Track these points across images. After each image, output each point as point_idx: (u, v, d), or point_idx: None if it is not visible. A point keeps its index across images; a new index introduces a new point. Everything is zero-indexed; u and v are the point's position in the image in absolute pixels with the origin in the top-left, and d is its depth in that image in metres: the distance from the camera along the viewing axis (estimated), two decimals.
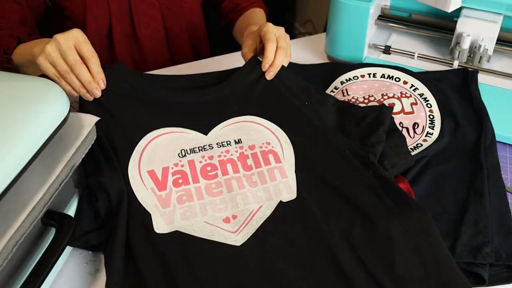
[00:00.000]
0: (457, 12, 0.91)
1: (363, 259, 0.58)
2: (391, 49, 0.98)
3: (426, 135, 0.80)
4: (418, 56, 0.96)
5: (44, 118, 0.53)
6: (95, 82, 0.69)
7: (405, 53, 0.97)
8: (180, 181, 0.66)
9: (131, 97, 0.75)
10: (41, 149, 0.52)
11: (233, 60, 1.04)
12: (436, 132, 0.80)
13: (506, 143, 0.81)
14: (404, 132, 0.81)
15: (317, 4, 2.16)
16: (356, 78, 0.90)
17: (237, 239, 0.61)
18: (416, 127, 0.82)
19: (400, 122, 0.82)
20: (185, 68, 1.01)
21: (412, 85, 0.88)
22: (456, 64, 0.93)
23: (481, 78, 0.91)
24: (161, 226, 0.62)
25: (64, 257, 0.63)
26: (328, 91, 0.88)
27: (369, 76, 0.90)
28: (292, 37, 1.17)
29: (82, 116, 0.63)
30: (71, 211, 0.64)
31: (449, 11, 0.88)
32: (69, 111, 0.56)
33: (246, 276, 0.57)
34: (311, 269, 0.58)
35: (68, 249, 0.64)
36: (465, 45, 0.91)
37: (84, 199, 0.65)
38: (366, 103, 0.84)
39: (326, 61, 1.03)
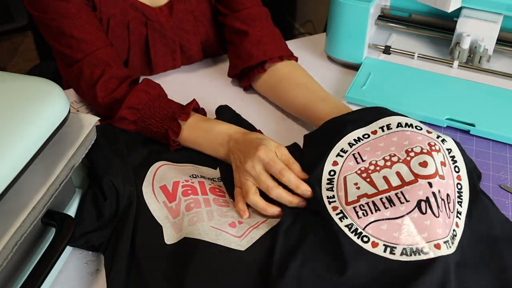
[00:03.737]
0: (457, 12, 0.91)
1: None
2: (391, 49, 0.98)
3: (456, 216, 0.60)
4: (418, 56, 0.96)
5: (44, 118, 0.52)
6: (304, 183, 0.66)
7: (405, 53, 0.97)
8: (190, 191, 0.67)
9: (146, 140, 0.77)
10: (41, 149, 0.52)
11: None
12: (463, 210, 0.61)
13: (506, 143, 0.81)
14: (442, 210, 0.58)
15: (317, 4, 2.17)
16: (366, 136, 0.68)
17: (242, 244, 0.61)
18: (448, 200, 0.60)
19: (438, 190, 0.59)
20: (190, 70, 1.01)
21: (439, 136, 0.66)
22: (456, 64, 0.93)
23: (481, 78, 0.91)
24: (171, 237, 0.62)
25: (64, 257, 0.63)
26: (332, 155, 0.67)
27: (383, 130, 0.67)
28: (292, 37, 1.16)
29: (82, 116, 0.63)
30: (71, 211, 0.64)
31: (449, 11, 0.88)
32: (69, 111, 0.56)
33: (249, 282, 0.57)
34: None
35: (68, 249, 0.64)
36: (465, 45, 0.91)
37: (88, 199, 0.65)
38: (390, 167, 0.63)
39: (326, 61, 1.02)
